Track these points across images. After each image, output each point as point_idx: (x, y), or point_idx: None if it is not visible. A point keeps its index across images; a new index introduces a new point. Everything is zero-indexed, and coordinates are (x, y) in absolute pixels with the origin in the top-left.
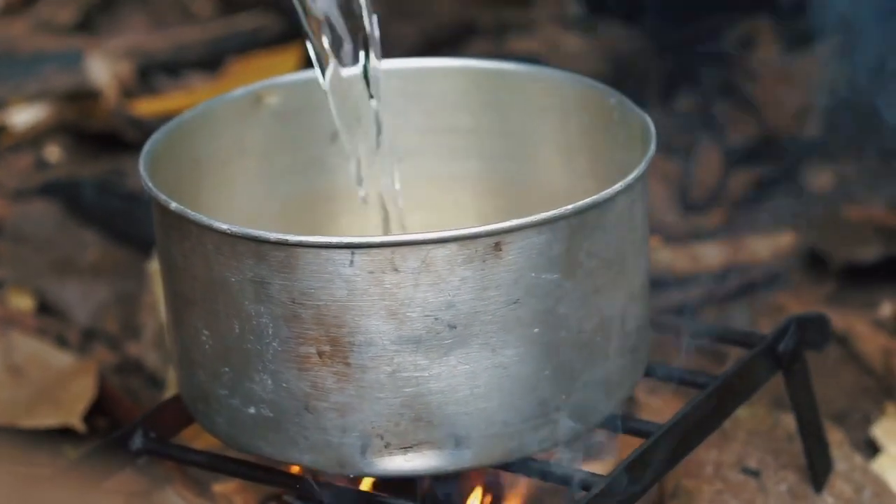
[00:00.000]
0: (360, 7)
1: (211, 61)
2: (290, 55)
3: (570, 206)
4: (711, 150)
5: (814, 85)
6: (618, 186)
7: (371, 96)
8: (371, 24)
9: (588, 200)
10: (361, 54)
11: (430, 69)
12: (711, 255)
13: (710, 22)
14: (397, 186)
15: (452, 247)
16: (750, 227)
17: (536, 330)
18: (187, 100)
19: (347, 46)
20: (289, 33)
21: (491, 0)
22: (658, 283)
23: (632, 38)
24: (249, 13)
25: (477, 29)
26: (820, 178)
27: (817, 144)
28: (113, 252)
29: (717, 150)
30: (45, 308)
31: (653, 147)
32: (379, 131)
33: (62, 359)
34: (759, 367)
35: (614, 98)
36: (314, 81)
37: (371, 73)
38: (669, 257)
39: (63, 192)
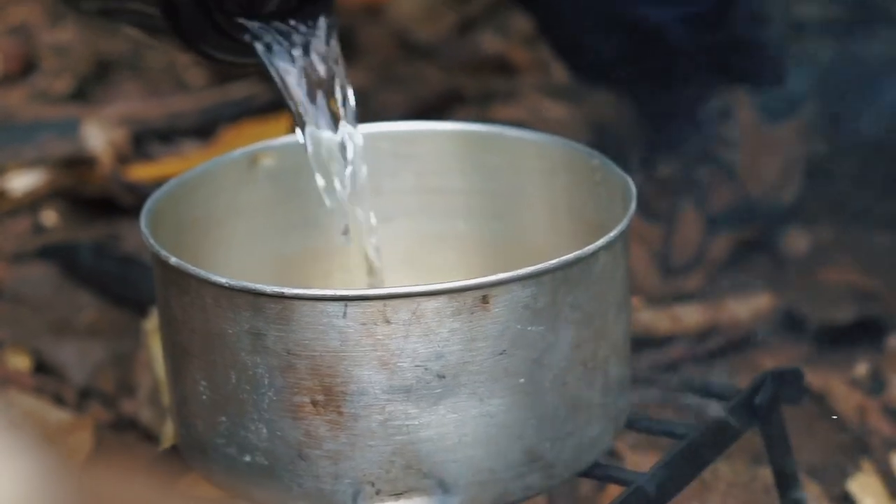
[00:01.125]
0: (336, 78)
1: (204, 129)
2: (281, 123)
3: (554, 261)
4: (691, 216)
5: (791, 153)
6: (600, 242)
7: (347, 164)
8: (346, 95)
9: (572, 255)
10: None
11: (420, 132)
12: (692, 316)
13: (691, 91)
14: (375, 248)
15: (442, 299)
16: (729, 289)
17: (522, 380)
18: (181, 166)
19: (325, 114)
20: (279, 102)
21: (477, 69)
22: (639, 343)
23: (614, 107)
24: (242, 82)
25: (463, 97)
26: (797, 243)
27: (794, 210)
28: (108, 313)
29: (697, 216)
30: (42, 367)
31: (633, 205)
32: (356, 194)
33: (59, 416)
34: (737, 419)
35: (597, 159)
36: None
37: (346, 142)
38: (651, 318)
39: (60, 256)
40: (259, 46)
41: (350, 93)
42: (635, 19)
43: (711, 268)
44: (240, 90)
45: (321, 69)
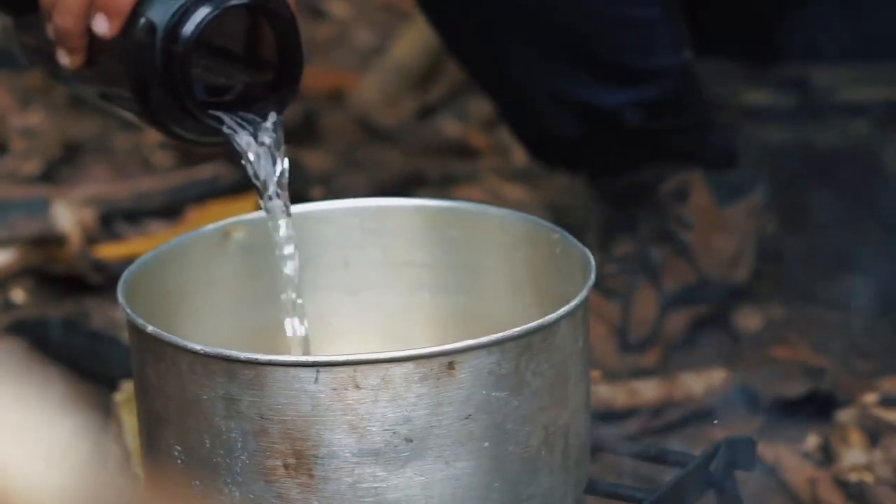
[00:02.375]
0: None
1: (170, 209)
2: (246, 203)
3: (517, 329)
4: (648, 293)
5: (743, 233)
6: (561, 311)
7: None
8: (281, 171)
9: (534, 324)
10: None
11: (387, 207)
12: (649, 391)
13: (647, 173)
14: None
15: (409, 365)
16: (685, 365)
17: (486, 444)
18: (148, 245)
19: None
20: (245, 182)
21: (437, 153)
22: (599, 416)
23: (572, 189)
24: (207, 164)
25: (424, 180)
26: (749, 321)
27: (747, 289)
28: (78, 388)
29: (654, 294)
30: None
31: (593, 276)
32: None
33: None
34: (693, 484)
35: (557, 234)
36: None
37: (281, 214)
38: (609, 393)
39: (29, 332)
40: (227, 128)
41: (285, 181)
42: (593, 104)
43: (667, 344)
44: (205, 171)
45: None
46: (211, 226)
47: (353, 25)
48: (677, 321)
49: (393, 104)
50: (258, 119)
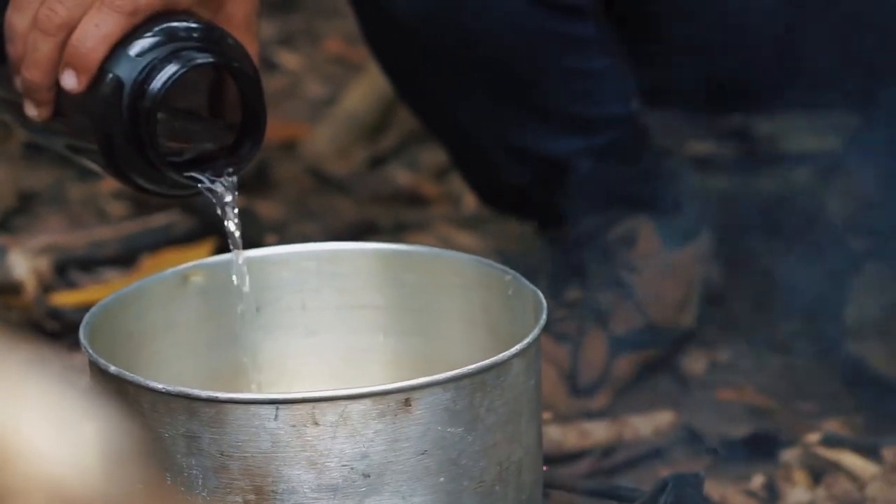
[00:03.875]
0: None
1: (125, 257)
2: (200, 250)
3: (471, 367)
4: (597, 338)
5: (690, 278)
6: (514, 350)
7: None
8: (234, 222)
9: (488, 361)
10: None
11: (343, 251)
12: (598, 432)
13: (596, 220)
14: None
15: (367, 402)
16: (633, 407)
17: (442, 479)
18: (103, 292)
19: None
20: (199, 230)
21: (389, 201)
22: (549, 458)
23: (522, 236)
24: (161, 213)
25: (376, 228)
26: (696, 364)
27: (693, 333)
28: None
29: (603, 338)
30: None
31: (544, 316)
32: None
33: None
34: None
35: (509, 276)
36: (237, 262)
37: (235, 266)
38: (560, 434)
39: None
40: (200, 180)
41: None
42: (543, 152)
43: (616, 387)
44: (159, 220)
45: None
46: (170, 270)
47: (304, 77)
48: (626, 364)
49: (344, 154)
50: (215, 177)
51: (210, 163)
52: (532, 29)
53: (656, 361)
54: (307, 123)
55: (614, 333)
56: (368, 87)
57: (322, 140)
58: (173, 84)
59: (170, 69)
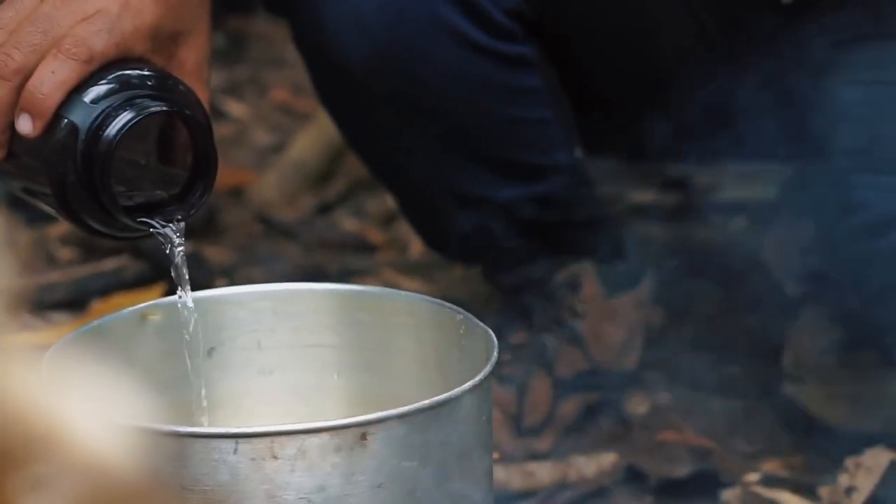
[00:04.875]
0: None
1: (75, 302)
2: (151, 294)
3: (426, 402)
4: (542, 380)
5: (632, 322)
6: (467, 385)
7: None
8: (181, 265)
9: (443, 397)
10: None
11: (297, 291)
12: (543, 473)
13: (541, 265)
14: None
15: (325, 436)
16: (577, 448)
17: None
18: (53, 335)
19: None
20: (149, 274)
21: (336, 247)
22: (495, 498)
23: (467, 281)
24: (111, 257)
25: (323, 273)
26: (638, 406)
27: (636, 375)
28: None
29: (548, 380)
30: None
31: (496, 353)
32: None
33: None
34: None
35: (461, 315)
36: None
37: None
38: (505, 475)
39: None
40: (152, 225)
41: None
42: (489, 199)
43: (561, 428)
44: (109, 264)
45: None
46: (129, 309)
47: (251, 126)
48: (570, 406)
49: (292, 201)
50: (165, 222)
51: (160, 207)
52: (478, 79)
53: (600, 403)
54: (254, 171)
55: (559, 376)
56: (315, 135)
57: (269, 187)
58: (128, 131)
59: (125, 116)
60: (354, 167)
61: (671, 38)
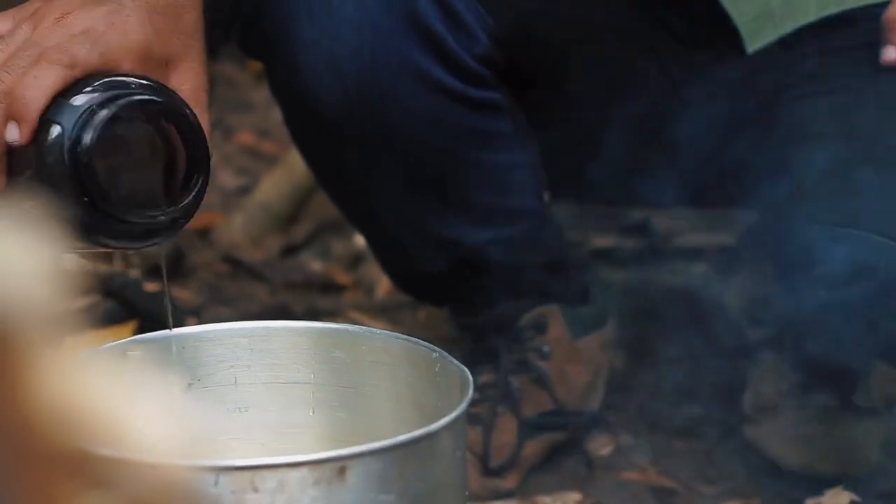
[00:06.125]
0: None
1: None
2: (122, 332)
3: (403, 437)
4: (508, 420)
5: (596, 364)
6: (443, 422)
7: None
8: (166, 299)
9: (419, 432)
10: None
11: (274, 329)
12: None
13: (508, 307)
14: None
15: (304, 470)
16: (542, 488)
17: None
18: None
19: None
20: (119, 314)
21: (303, 288)
22: None
23: (432, 323)
24: (82, 297)
25: (290, 314)
26: (602, 447)
27: (599, 416)
28: None
29: (514, 421)
30: None
31: (471, 391)
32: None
33: None
34: None
35: (436, 353)
36: (172, 337)
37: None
38: None
39: None
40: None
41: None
42: (458, 241)
43: (526, 468)
44: (82, 301)
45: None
46: (110, 344)
47: (217, 168)
48: (536, 446)
49: (258, 243)
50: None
51: (158, 207)
52: (449, 124)
53: (564, 443)
54: (221, 212)
55: (525, 416)
56: (281, 177)
57: (236, 229)
58: (113, 121)
59: (109, 109)
60: (320, 209)
61: (637, 85)
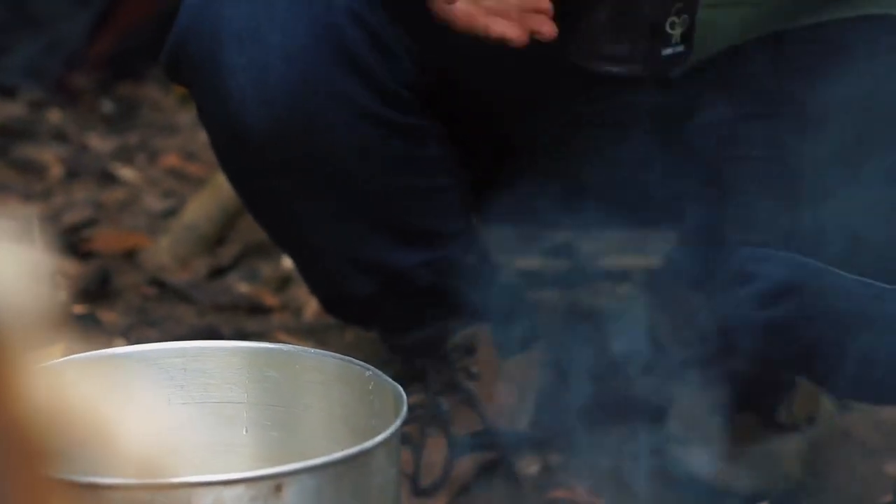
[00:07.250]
0: None
1: None
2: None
3: (339, 455)
4: (438, 441)
5: (524, 384)
6: (378, 439)
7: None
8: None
9: (355, 450)
10: None
11: (207, 348)
12: None
13: (436, 329)
14: None
15: (240, 488)
16: None
17: None
18: None
19: None
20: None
21: (230, 310)
22: None
23: (359, 345)
24: None
25: (218, 335)
26: (530, 466)
27: (528, 436)
28: None
29: (444, 441)
30: None
31: (405, 409)
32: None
33: None
34: None
35: (370, 371)
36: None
37: None
38: None
39: None
40: None
41: None
42: (386, 264)
43: (456, 488)
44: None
45: None
46: (46, 363)
47: (142, 190)
48: (465, 466)
49: (185, 265)
50: None
51: None
52: (377, 149)
53: (494, 463)
54: (147, 235)
55: (454, 436)
56: (208, 199)
57: (162, 251)
58: None
59: None
60: (248, 231)
61: (558, 109)
